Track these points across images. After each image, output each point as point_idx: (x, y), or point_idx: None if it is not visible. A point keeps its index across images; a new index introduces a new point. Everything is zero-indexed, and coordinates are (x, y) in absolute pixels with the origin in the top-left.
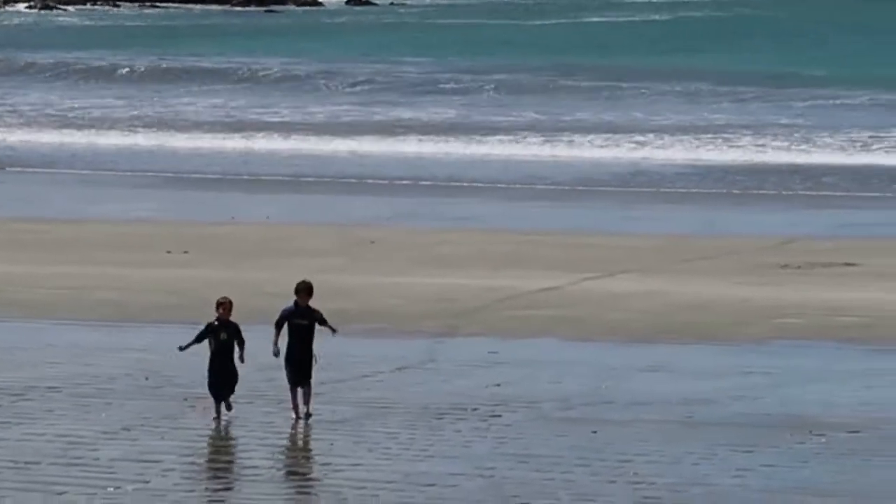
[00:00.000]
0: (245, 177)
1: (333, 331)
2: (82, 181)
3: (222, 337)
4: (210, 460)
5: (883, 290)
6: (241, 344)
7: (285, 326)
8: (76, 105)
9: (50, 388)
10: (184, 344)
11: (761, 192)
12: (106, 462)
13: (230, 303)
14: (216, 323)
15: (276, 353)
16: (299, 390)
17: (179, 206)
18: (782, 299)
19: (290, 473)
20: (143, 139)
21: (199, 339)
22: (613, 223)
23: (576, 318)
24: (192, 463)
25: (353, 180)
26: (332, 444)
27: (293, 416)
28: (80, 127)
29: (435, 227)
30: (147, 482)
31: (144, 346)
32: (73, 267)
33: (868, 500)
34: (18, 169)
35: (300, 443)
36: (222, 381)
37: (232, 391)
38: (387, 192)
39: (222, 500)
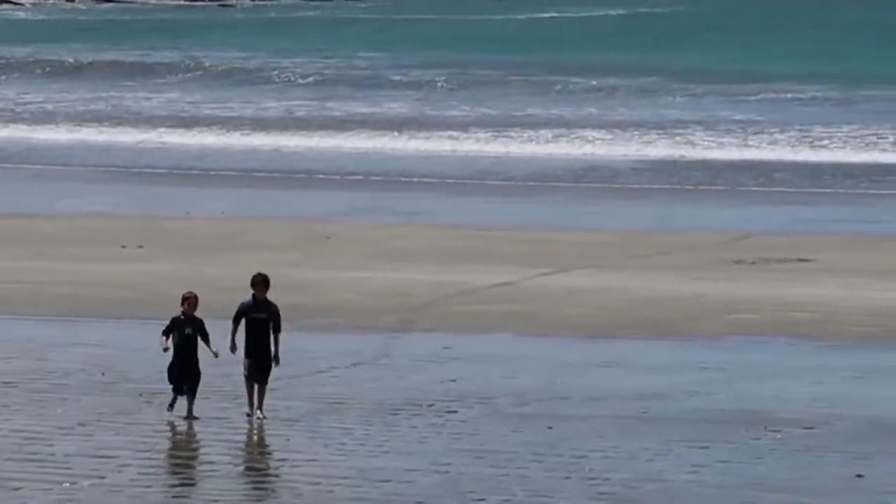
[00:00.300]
0: (199, 172)
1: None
2: (36, 176)
3: (187, 332)
4: (167, 456)
5: (836, 285)
6: (206, 338)
7: (243, 322)
8: (28, 99)
9: (5, 383)
10: (163, 346)
11: (715, 187)
12: (62, 457)
13: (195, 298)
14: (181, 317)
15: (234, 349)
16: (255, 386)
17: (134, 201)
18: (737, 295)
19: (246, 469)
20: (96, 134)
21: (167, 332)
22: (568, 218)
23: (531, 314)
24: (149, 458)
25: (306, 175)
26: (287, 440)
27: (248, 410)
28: (31, 122)
29: (389, 221)
30: (103, 478)
31: (100, 341)
32: (27, 262)
33: (822, 497)
34: None
35: (256, 438)
36: (184, 374)
37: (193, 390)
38: (341, 187)
39: (179, 496)
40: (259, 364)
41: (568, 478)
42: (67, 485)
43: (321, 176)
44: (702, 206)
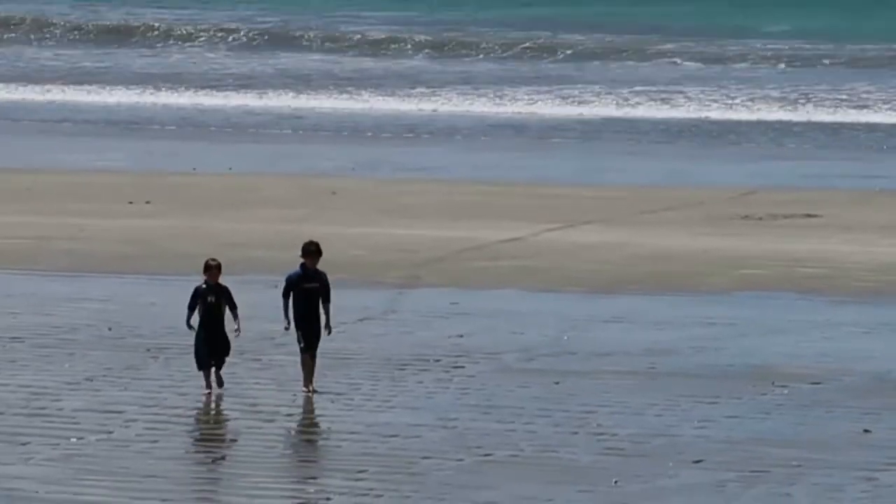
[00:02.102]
0: (206, 128)
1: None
2: (41, 131)
3: (210, 300)
4: (174, 411)
5: (844, 241)
6: (234, 308)
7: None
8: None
9: (12, 338)
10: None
11: (722, 144)
12: (69, 412)
13: (219, 266)
14: (204, 286)
15: (288, 327)
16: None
17: (141, 156)
18: (744, 250)
19: (252, 424)
20: (104, 94)
21: (190, 308)
22: (576, 174)
23: (538, 269)
24: (156, 414)
25: (313, 131)
26: (294, 396)
27: (306, 388)
28: (38, 81)
29: (397, 177)
30: (110, 433)
31: (106, 296)
32: (34, 217)
33: (829, 452)
34: None
35: (262, 394)
36: (210, 348)
37: (222, 361)
38: (349, 143)
39: (186, 451)
40: (312, 335)
41: (575, 433)
42: (74, 440)
43: (327, 132)
44: (709, 162)
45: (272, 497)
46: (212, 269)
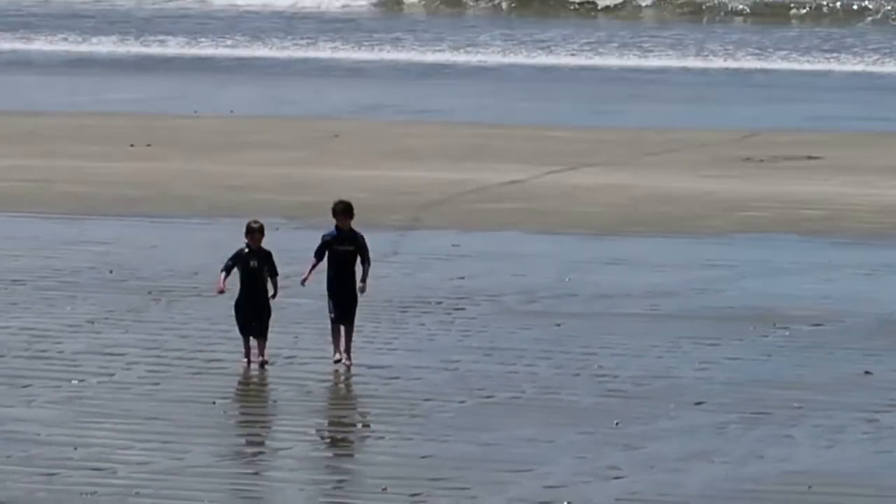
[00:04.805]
0: (208, 70)
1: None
2: (42, 74)
3: (252, 264)
4: (174, 354)
5: (845, 183)
6: (274, 274)
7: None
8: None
9: (13, 281)
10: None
11: (722, 85)
12: (70, 355)
13: (262, 228)
14: (245, 250)
15: (305, 283)
16: (341, 328)
17: (142, 99)
18: (746, 192)
19: (255, 366)
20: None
21: (227, 269)
22: (577, 117)
23: (539, 211)
24: (157, 357)
25: (315, 74)
26: (296, 338)
27: (336, 356)
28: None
29: (399, 119)
30: (112, 375)
31: (108, 239)
32: (34, 160)
33: (831, 394)
34: None
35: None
36: (250, 313)
37: (263, 328)
38: (349, 85)
39: (186, 393)
40: (344, 303)
41: (577, 375)
42: (76, 382)
43: (329, 76)
44: (710, 105)
45: (273, 439)
46: (254, 232)
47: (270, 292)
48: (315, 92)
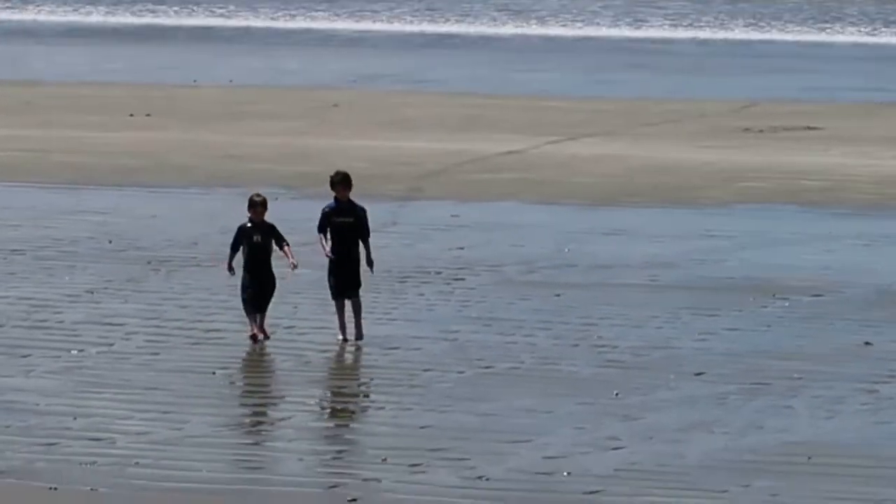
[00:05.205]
0: (207, 40)
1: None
2: (40, 44)
3: (255, 239)
4: (174, 324)
5: (844, 154)
6: (282, 244)
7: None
8: None
9: (13, 251)
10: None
11: (721, 56)
12: (70, 325)
13: (265, 202)
14: (248, 225)
15: (332, 256)
16: (347, 303)
17: (141, 69)
18: (745, 163)
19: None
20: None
21: (233, 248)
22: (576, 87)
23: (538, 182)
24: (157, 326)
25: (314, 44)
26: (296, 308)
27: (340, 336)
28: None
29: (397, 89)
30: (111, 345)
31: (107, 208)
32: (33, 130)
33: (830, 364)
34: None
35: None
36: (256, 290)
37: (267, 301)
38: (348, 56)
39: (185, 363)
40: (346, 279)
41: (576, 345)
42: (75, 352)
43: (328, 47)
44: (709, 75)
45: (272, 409)
46: (256, 205)
47: (291, 261)
48: (314, 62)
